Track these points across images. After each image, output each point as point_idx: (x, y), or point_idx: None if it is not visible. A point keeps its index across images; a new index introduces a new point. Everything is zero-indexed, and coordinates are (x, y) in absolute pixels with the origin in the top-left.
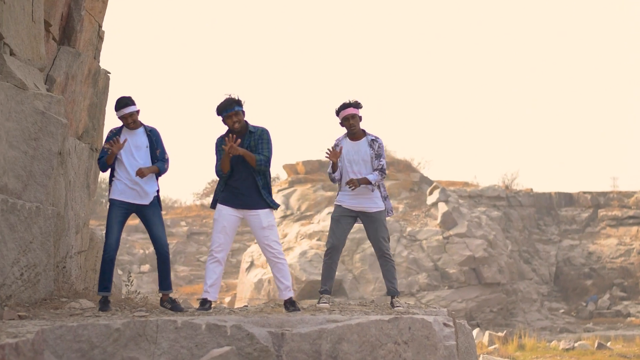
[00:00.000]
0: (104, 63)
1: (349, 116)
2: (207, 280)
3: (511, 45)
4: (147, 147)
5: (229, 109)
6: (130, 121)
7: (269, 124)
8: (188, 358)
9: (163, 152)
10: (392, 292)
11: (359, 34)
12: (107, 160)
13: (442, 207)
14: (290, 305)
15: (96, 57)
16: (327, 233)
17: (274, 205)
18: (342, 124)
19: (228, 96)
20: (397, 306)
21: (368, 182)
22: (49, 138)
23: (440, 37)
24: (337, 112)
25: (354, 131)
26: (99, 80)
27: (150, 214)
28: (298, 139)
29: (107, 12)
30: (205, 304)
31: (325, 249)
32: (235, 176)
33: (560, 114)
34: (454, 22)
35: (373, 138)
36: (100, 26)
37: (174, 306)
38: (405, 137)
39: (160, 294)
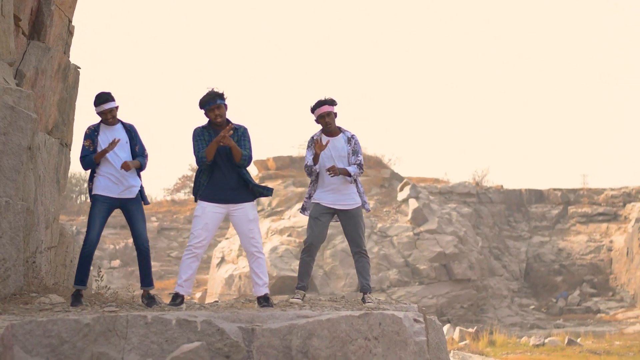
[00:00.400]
0: (74, 58)
1: (324, 114)
2: (181, 275)
3: (482, 41)
4: (127, 142)
5: (212, 102)
6: (110, 117)
7: (241, 119)
8: (158, 353)
9: (142, 147)
10: (365, 289)
11: (331, 29)
12: (96, 158)
13: (413, 204)
14: (264, 301)
15: (66, 52)
16: (298, 229)
17: (268, 192)
18: (317, 121)
19: (211, 89)
20: (369, 302)
21: (348, 174)
22: (18, 133)
23: (411, 33)
24: (313, 110)
25: (330, 128)
26: (69, 75)
27: (134, 209)
28: (268, 134)
29: (77, 6)
30: (177, 298)
31: (304, 246)
32: (222, 170)
33: (531, 110)
34: (425, 18)
35: (350, 135)
36: (70, 21)
37: (149, 302)
38: (376, 134)
39: (141, 290)
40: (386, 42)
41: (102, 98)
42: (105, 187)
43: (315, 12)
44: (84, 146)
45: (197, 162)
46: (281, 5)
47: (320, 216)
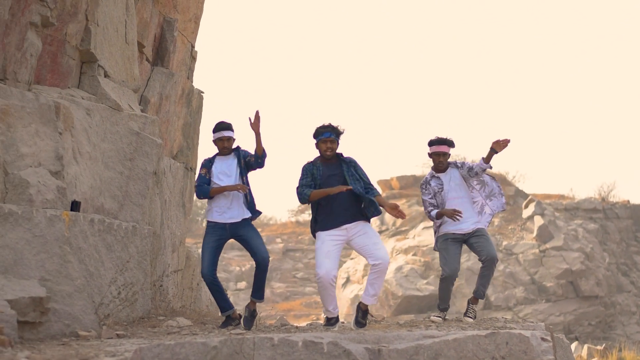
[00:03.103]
0: (197, 83)
1: (440, 153)
2: (326, 305)
3: (605, 52)
4: (237, 173)
5: (325, 133)
6: (224, 146)
7: (363, 140)
8: None
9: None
10: (479, 295)
11: (451, 44)
12: (212, 193)
13: (538, 220)
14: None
15: (189, 77)
16: (422, 248)
17: (376, 211)
18: (430, 155)
19: (328, 124)
20: (469, 317)
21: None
22: (144, 158)
23: (530, 51)
24: (430, 144)
25: (440, 168)
26: (193, 100)
27: (245, 230)
28: (392, 154)
29: (199, 32)
30: (330, 319)
31: (441, 276)
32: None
33: None
34: (544, 36)
35: (459, 164)
36: (192, 46)
37: (251, 315)
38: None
39: (249, 301)
40: (510, 55)
41: (221, 126)
42: (217, 214)
43: (436, 29)
44: (200, 174)
45: (298, 195)
46: (406, 22)
47: (449, 247)
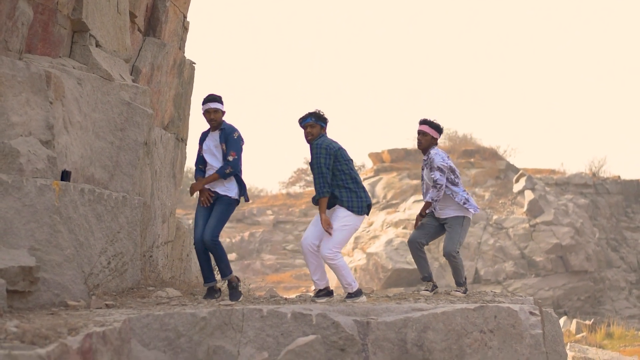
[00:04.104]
0: (189, 53)
1: (419, 131)
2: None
3: (595, 30)
4: (216, 147)
5: (304, 120)
6: (210, 118)
7: (355, 113)
8: (274, 347)
9: (229, 152)
10: (458, 284)
11: (440, 22)
12: (193, 188)
13: (529, 195)
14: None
15: (181, 47)
16: (412, 221)
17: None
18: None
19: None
20: (458, 290)
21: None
22: (135, 128)
23: (522, 26)
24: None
25: (421, 148)
26: (184, 70)
27: (216, 205)
28: (383, 127)
29: (191, 2)
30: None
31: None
32: None
33: None
34: (536, 10)
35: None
36: (185, 17)
37: (230, 292)
38: (492, 125)
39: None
40: (502, 33)
41: (208, 98)
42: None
43: (428, 3)
44: (198, 151)
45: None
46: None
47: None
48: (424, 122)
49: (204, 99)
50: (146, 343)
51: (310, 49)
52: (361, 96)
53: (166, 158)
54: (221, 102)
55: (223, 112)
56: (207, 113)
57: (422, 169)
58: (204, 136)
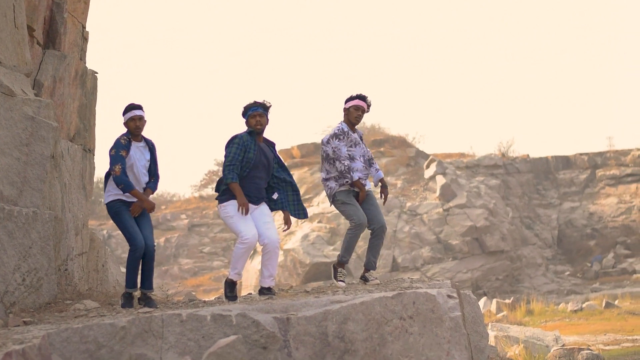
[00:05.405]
0: (91, 63)
1: (359, 107)
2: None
3: (501, 11)
4: (147, 161)
5: (254, 107)
6: (136, 126)
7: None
8: (196, 350)
9: (156, 168)
10: (371, 267)
11: (349, 15)
12: (132, 194)
13: (440, 180)
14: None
15: (82, 58)
16: (327, 215)
17: None
18: (348, 110)
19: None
20: (372, 279)
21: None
22: (40, 142)
23: (429, 11)
24: (351, 99)
25: (358, 122)
26: (87, 81)
27: (141, 216)
28: (291, 123)
29: (89, 12)
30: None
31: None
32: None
33: (551, 77)
34: None
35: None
36: (83, 27)
37: (148, 303)
38: (399, 113)
39: (140, 293)
40: (406, 20)
41: (131, 106)
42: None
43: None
44: (121, 156)
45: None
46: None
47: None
48: (364, 98)
49: (127, 107)
50: (67, 357)
51: (210, 51)
52: (267, 91)
53: (75, 170)
54: (143, 110)
55: (145, 121)
56: (132, 121)
57: (355, 146)
58: (127, 145)
